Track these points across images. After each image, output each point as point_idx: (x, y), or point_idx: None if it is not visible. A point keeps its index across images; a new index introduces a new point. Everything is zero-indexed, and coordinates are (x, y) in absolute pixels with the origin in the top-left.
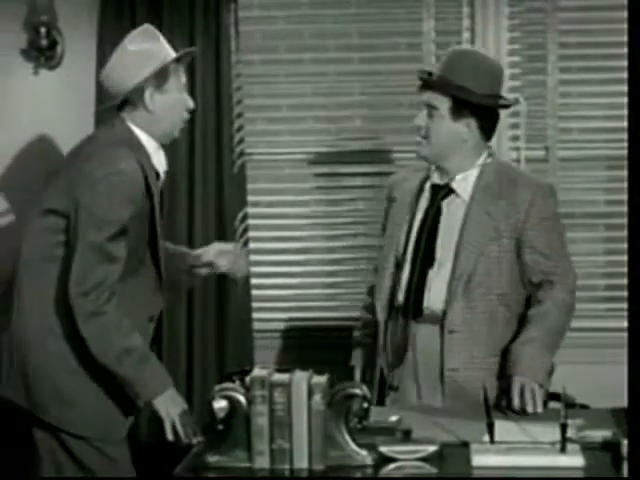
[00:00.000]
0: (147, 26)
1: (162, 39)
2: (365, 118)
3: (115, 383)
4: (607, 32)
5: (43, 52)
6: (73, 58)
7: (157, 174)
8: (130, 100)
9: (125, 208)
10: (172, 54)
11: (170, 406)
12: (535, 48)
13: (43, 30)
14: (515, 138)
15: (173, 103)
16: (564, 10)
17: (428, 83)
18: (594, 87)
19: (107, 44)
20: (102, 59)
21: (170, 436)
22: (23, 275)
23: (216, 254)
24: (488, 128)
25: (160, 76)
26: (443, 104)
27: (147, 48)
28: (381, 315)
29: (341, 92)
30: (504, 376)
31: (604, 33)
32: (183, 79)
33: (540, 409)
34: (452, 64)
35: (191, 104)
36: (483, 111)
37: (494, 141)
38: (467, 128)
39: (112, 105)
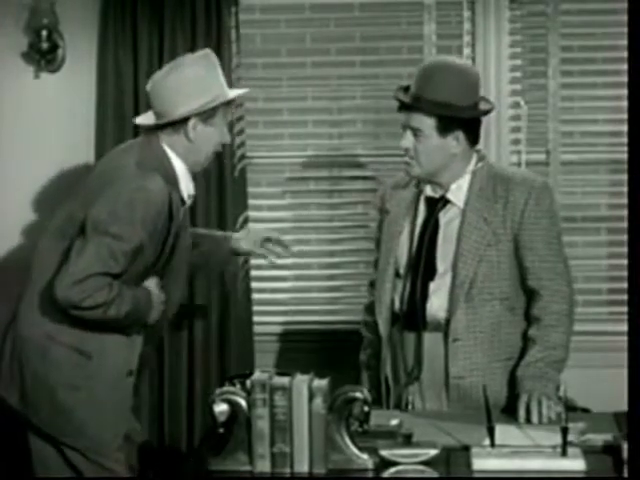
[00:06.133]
0: (208, 52)
1: (219, 69)
2: (366, 122)
3: (108, 394)
4: (609, 35)
5: (44, 55)
6: (74, 61)
7: (182, 200)
8: (172, 123)
9: (141, 226)
10: (226, 90)
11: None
12: (536, 51)
13: (44, 33)
14: (516, 142)
15: (213, 136)
16: (565, 13)
17: (409, 105)
18: (596, 91)
19: (108, 48)
20: (103, 63)
21: None
22: (37, 277)
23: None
24: (475, 135)
25: (209, 110)
26: (427, 124)
27: (204, 77)
28: (383, 328)
29: (342, 96)
30: (513, 397)
31: (606, 37)
32: (229, 116)
33: (546, 420)
34: (429, 80)
35: (228, 139)
36: (469, 121)
37: (495, 145)
38: (456, 141)
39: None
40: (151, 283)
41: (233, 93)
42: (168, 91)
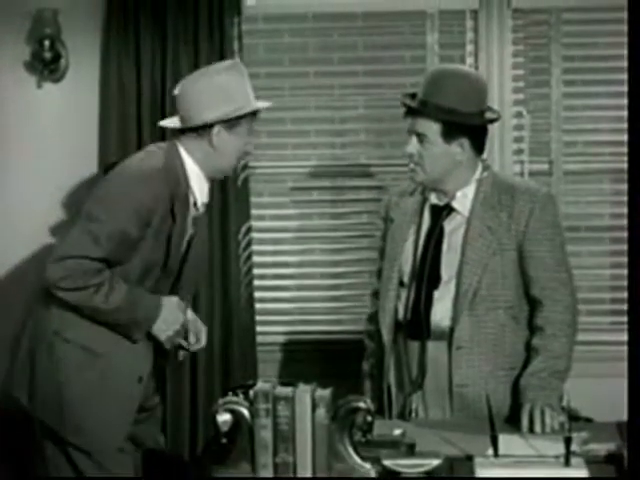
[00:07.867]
0: (237, 62)
1: (247, 79)
2: (369, 131)
3: (112, 396)
4: (611, 45)
5: (47, 65)
6: (77, 71)
7: (195, 206)
8: (196, 128)
9: (126, 214)
10: (252, 100)
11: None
12: (539, 61)
13: (47, 43)
14: (519, 151)
15: (236, 145)
16: (568, 23)
17: (415, 110)
18: (598, 100)
19: (111, 57)
20: (106, 72)
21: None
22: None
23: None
24: (480, 144)
25: (234, 118)
26: (432, 130)
27: (232, 86)
28: (387, 336)
29: (345, 105)
30: (517, 407)
31: (608, 46)
32: (254, 126)
33: (549, 429)
34: (435, 86)
35: (251, 149)
36: (474, 129)
37: (498, 155)
38: (461, 148)
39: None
40: (172, 299)
41: (259, 104)
42: (195, 96)
